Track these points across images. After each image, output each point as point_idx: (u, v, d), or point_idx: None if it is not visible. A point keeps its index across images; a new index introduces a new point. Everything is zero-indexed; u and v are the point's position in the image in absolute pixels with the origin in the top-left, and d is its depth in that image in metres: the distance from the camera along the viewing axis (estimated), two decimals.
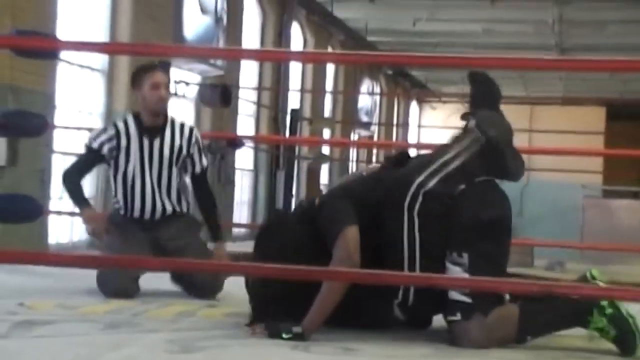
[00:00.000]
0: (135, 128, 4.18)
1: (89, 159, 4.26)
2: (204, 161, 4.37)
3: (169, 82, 4.27)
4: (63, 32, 7.66)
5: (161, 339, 3.03)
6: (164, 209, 4.22)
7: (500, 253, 3.24)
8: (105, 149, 4.18)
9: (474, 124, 3.30)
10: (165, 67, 4.33)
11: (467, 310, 3.10)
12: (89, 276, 4.03)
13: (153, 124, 4.20)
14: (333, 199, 3.33)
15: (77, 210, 4.34)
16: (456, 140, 3.34)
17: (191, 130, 4.30)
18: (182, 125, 4.28)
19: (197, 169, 4.34)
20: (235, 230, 12.20)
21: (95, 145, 4.20)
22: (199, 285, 4.13)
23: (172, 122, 4.27)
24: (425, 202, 3.17)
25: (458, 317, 3.12)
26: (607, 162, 19.10)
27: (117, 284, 3.94)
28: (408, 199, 3.18)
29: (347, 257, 3.13)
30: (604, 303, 3.11)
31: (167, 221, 4.23)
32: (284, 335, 3.08)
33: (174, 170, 4.24)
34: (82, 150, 4.41)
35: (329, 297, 3.13)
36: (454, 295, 3.13)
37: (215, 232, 4.39)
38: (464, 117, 3.40)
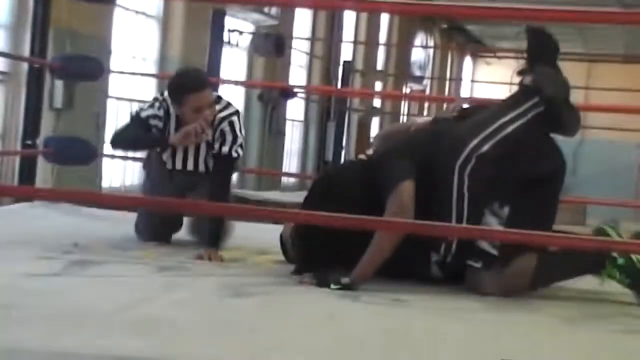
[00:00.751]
0: (175, 118, 3.91)
1: (136, 126, 4.00)
2: (231, 148, 3.92)
3: (213, 99, 3.87)
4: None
5: (212, 283, 3.07)
6: (206, 167, 4.00)
7: (543, 211, 3.25)
8: (151, 122, 3.94)
9: (531, 80, 3.27)
10: (211, 85, 4.06)
11: (490, 261, 3.17)
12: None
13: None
14: (391, 152, 3.32)
15: (158, 145, 4.01)
16: (514, 100, 3.31)
17: (226, 119, 3.94)
18: (222, 117, 3.93)
19: (224, 150, 3.92)
20: (285, 179, 12.27)
21: (143, 115, 3.96)
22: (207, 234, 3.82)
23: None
24: (477, 164, 3.17)
25: (479, 265, 3.19)
26: None
27: (154, 230, 3.96)
28: (460, 161, 3.18)
29: (400, 211, 3.14)
30: (616, 254, 3.19)
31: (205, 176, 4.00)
32: (332, 286, 3.10)
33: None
34: (129, 117, 4.26)
35: (381, 250, 3.14)
36: (483, 244, 3.19)
37: (212, 237, 3.77)
38: (520, 72, 3.36)
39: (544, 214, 3.26)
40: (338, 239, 3.17)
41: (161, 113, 3.93)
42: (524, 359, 2.23)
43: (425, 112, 17.53)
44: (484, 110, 3.45)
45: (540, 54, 3.34)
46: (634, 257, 3.20)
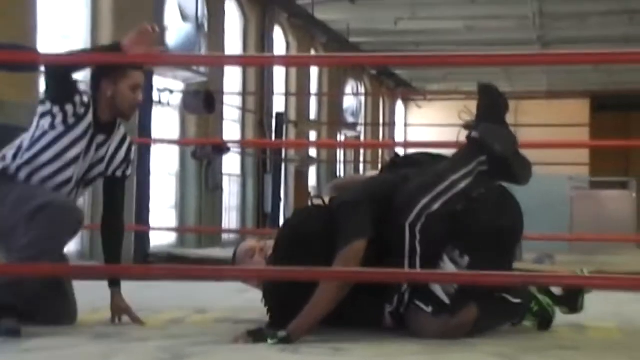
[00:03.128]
0: (91, 116, 3.58)
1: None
2: (129, 170, 3.78)
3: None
4: (44, 42, 7.66)
5: (151, 346, 3.04)
6: None
7: (502, 261, 3.34)
8: (76, 99, 3.54)
9: (479, 136, 3.36)
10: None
11: (440, 307, 3.22)
12: (77, 288, 4.02)
13: (108, 120, 3.63)
14: (350, 202, 3.32)
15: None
16: (463, 157, 3.38)
17: (126, 136, 3.77)
18: (124, 134, 3.77)
19: (120, 174, 3.72)
20: (225, 236, 12.21)
21: (73, 79, 3.56)
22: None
23: (119, 126, 3.75)
24: (427, 222, 3.23)
25: (429, 309, 3.23)
26: (593, 153, 19.18)
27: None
28: (410, 219, 3.24)
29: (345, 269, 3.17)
30: (533, 304, 3.47)
31: None
32: (269, 341, 3.09)
33: (93, 172, 3.67)
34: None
35: (321, 302, 3.16)
36: (437, 291, 3.23)
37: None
38: (467, 127, 3.44)
39: (504, 264, 3.34)
40: (307, 291, 3.18)
41: (87, 100, 3.56)
42: None
43: (361, 159, 17.67)
44: (427, 162, 3.50)
45: (490, 111, 3.42)
46: (542, 300, 3.47)
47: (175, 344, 3.09)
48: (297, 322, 3.14)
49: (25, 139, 3.60)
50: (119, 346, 3.08)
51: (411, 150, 4.37)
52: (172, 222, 10.83)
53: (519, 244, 3.49)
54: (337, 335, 3.21)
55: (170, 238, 10.70)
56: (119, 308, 3.64)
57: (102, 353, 2.94)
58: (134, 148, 3.80)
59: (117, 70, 3.62)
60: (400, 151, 3.66)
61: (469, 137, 3.40)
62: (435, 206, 3.24)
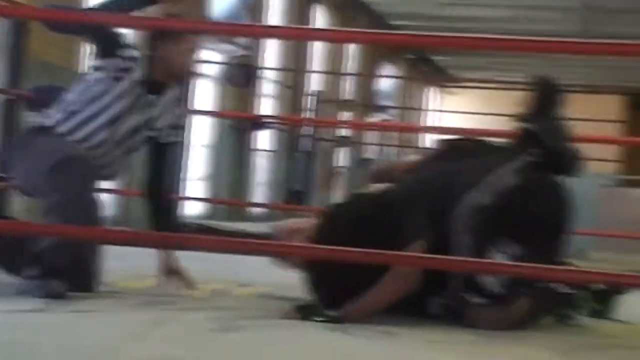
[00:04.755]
0: (140, 72, 3.55)
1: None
2: (178, 137, 3.78)
3: None
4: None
5: (200, 317, 3.02)
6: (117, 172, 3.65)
7: (550, 252, 3.28)
8: (124, 52, 3.51)
9: (533, 129, 3.33)
10: None
11: (494, 299, 3.17)
12: (129, 253, 4.01)
13: (159, 81, 3.59)
14: (408, 199, 3.28)
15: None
16: (513, 149, 3.33)
17: (179, 101, 3.79)
18: (177, 98, 3.76)
19: (167, 140, 3.66)
20: (254, 211, 12.22)
21: (119, 32, 3.54)
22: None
23: (171, 90, 3.68)
24: (476, 215, 3.19)
25: (483, 301, 3.18)
26: (627, 152, 18.95)
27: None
28: (460, 211, 3.20)
29: (404, 274, 3.13)
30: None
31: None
32: (316, 318, 3.06)
33: (140, 135, 3.60)
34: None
35: (384, 293, 3.13)
36: (487, 281, 3.17)
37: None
38: (523, 118, 3.40)
39: (552, 253, 3.28)
40: (349, 274, 3.12)
41: (137, 54, 3.55)
42: None
43: (397, 143, 17.58)
44: (477, 152, 3.44)
45: (546, 104, 3.38)
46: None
47: (224, 316, 3.07)
48: (355, 306, 3.11)
49: (70, 94, 3.57)
50: (167, 314, 3.06)
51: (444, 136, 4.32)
52: (203, 194, 10.83)
53: (567, 236, 3.40)
54: (385, 318, 3.17)
55: (199, 210, 10.70)
56: (170, 270, 3.58)
57: (152, 320, 2.92)
58: (185, 116, 3.76)
59: (176, 34, 3.56)
60: (437, 137, 3.63)
61: (522, 130, 3.36)
62: (483, 198, 3.20)
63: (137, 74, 3.51)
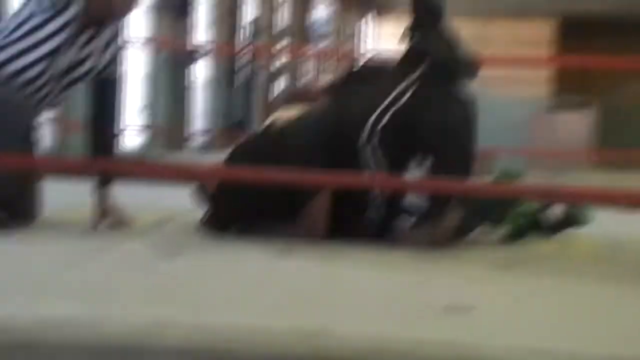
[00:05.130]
0: (79, 7, 3.42)
1: None
2: (117, 72, 3.63)
3: None
4: None
5: (140, 245, 3.02)
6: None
7: (464, 157, 3.34)
8: None
9: (417, 43, 3.37)
10: None
11: (422, 214, 3.23)
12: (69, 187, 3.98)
13: (98, 17, 3.45)
14: (302, 138, 3.31)
15: None
16: (404, 66, 3.36)
17: (118, 35, 3.61)
18: (116, 32, 3.59)
19: (106, 76, 3.56)
20: (193, 141, 12.17)
21: None
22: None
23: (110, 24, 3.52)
24: (382, 135, 3.24)
25: (412, 219, 3.25)
26: (556, 76, 19.24)
27: None
28: (365, 135, 3.25)
29: (312, 227, 3.23)
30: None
31: None
32: None
33: (77, 72, 3.51)
34: None
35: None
36: (413, 199, 3.24)
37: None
38: (405, 36, 3.43)
39: (465, 161, 3.34)
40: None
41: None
42: (468, 302, 2.27)
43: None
44: (378, 74, 3.47)
45: (424, 18, 3.41)
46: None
47: (164, 243, 3.07)
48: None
49: (4, 27, 3.46)
50: (107, 244, 3.06)
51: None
52: (142, 125, 10.72)
53: (473, 141, 3.42)
54: (329, 242, 3.22)
55: (138, 141, 10.61)
56: (105, 209, 3.53)
57: (96, 248, 2.92)
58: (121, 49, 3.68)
59: None
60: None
61: (408, 47, 3.41)
62: (385, 119, 3.25)
63: (76, 7, 3.40)
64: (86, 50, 3.48)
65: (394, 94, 3.29)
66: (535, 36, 18.87)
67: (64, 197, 3.97)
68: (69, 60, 3.45)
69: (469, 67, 3.41)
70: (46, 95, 3.47)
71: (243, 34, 12.78)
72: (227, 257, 2.93)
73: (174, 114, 11.26)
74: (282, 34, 15.66)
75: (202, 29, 12.39)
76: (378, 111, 3.26)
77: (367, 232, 3.35)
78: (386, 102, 3.28)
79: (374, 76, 3.47)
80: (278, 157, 3.24)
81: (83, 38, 3.46)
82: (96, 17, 3.45)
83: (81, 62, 3.48)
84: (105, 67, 3.55)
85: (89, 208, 3.49)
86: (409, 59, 3.38)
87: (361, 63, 3.76)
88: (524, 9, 19.75)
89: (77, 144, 5.57)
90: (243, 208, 3.32)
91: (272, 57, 14.95)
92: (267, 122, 3.59)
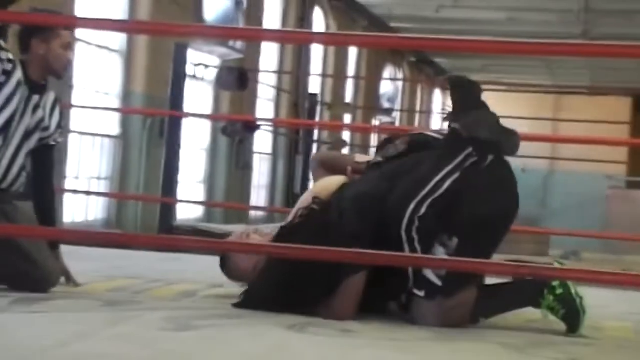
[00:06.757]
0: (21, 73, 3.53)
1: None
2: (61, 137, 3.77)
3: None
4: (82, 12, 7.70)
5: (158, 317, 3.03)
6: (17, 177, 3.58)
7: (488, 245, 3.31)
8: (2, 55, 3.47)
9: (461, 127, 3.32)
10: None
11: (433, 291, 3.20)
12: (97, 255, 4.04)
13: (40, 81, 3.59)
14: (352, 231, 3.28)
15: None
16: (448, 152, 3.33)
17: (57, 100, 3.73)
18: (55, 98, 3.71)
19: (53, 142, 3.67)
20: (252, 213, 12.24)
21: None
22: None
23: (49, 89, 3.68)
24: (420, 224, 3.23)
25: (422, 294, 3.21)
26: (632, 153, 18.90)
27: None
28: (404, 225, 3.24)
29: (345, 310, 3.21)
30: (556, 284, 3.25)
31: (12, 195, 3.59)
32: None
33: (35, 137, 3.60)
34: None
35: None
36: (428, 274, 3.21)
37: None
38: (447, 119, 3.42)
39: (489, 248, 3.32)
40: (293, 282, 3.22)
41: (12, 57, 3.51)
42: None
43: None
44: (422, 156, 3.43)
45: (466, 100, 3.39)
46: (570, 286, 3.25)
47: (183, 315, 3.09)
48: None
49: None
50: (125, 314, 3.08)
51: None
52: (200, 197, 10.86)
53: (508, 230, 3.42)
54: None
55: (197, 213, 10.73)
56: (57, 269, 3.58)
57: (108, 320, 2.95)
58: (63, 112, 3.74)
59: (48, 30, 3.58)
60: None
61: (450, 130, 3.37)
62: (424, 209, 3.23)
63: (18, 74, 3.50)
64: (36, 118, 3.57)
65: (435, 180, 3.27)
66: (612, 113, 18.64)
67: (98, 265, 4.03)
68: (24, 127, 3.53)
69: (509, 145, 3.36)
70: (5, 166, 3.52)
71: (305, 107, 12.93)
72: (243, 332, 2.91)
73: (234, 186, 11.39)
74: (347, 108, 15.80)
75: (264, 102, 12.59)
76: (418, 199, 3.24)
77: (397, 309, 3.33)
78: (427, 189, 3.25)
79: (417, 159, 3.43)
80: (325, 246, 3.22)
81: (32, 105, 3.54)
82: (36, 83, 3.55)
83: (35, 129, 3.57)
84: (54, 134, 3.65)
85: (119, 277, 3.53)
86: (452, 143, 3.37)
87: (408, 140, 3.74)
88: (599, 86, 19.62)
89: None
90: (284, 285, 3.30)
91: (335, 130, 15.06)
92: (307, 197, 3.59)
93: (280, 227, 3.58)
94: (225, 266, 3.61)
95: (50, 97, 3.66)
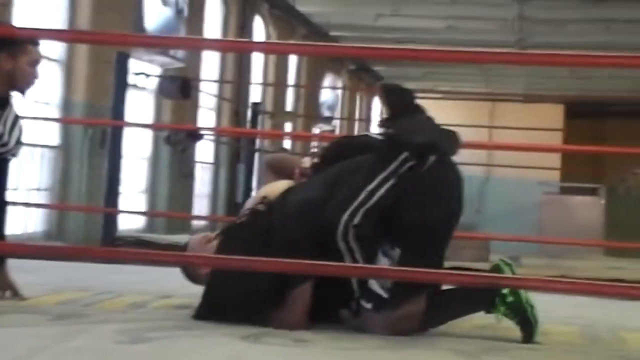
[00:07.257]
0: None
1: None
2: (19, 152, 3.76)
3: None
4: (20, 20, 7.59)
5: (111, 330, 3.02)
6: None
7: (433, 251, 3.30)
8: None
9: (396, 133, 3.30)
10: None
11: (379, 303, 3.22)
12: (43, 267, 3.99)
13: (3, 95, 3.60)
14: (294, 239, 3.30)
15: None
16: (382, 158, 3.30)
17: (19, 115, 3.71)
18: (17, 113, 3.70)
19: (11, 157, 3.68)
20: (195, 222, 12.18)
21: None
22: None
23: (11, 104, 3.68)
24: (356, 232, 3.22)
25: (369, 306, 3.23)
26: (565, 159, 19.31)
27: None
28: (340, 234, 3.23)
29: (295, 320, 3.22)
30: (506, 291, 3.26)
31: None
32: None
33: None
34: None
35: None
36: (374, 286, 3.22)
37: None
38: (382, 125, 3.41)
39: (434, 254, 3.31)
40: (246, 291, 3.22)
41: None
42: None
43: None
44: (361, 161, 3.40)
45: (399, 106, 3.37)
46: (522, 294, 3.26)
47: (135, 327, 3.08)
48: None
49: None
50: (77, 327, 3.06)
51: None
52: (143, 207, 10.77)
53: (452, 233, 3.43)
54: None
55: (140, 223, 10.64)
56: (3, 283, 3.59)
57: (61, 334, 2.92)
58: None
59: (16, 46, 3.57)
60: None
61: (385, 136, 3.35)
62: (357, 219, 3.22)
63: None
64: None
65: (368, 189, 3.24)
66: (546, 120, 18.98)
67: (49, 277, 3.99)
68: None
69: (449, 145, 3.34)
70: None
71: (247, 115, 12.92)
72: (196, 342, 2.92)
73: (176, 195, 11.32)
74: (288, 116, 15.83)
75: (206, 111, 12.55)
76: (351, 208, 3.23)
77: (349, 318, 3.36)
78: (359, 200, 3.23)
79: (356, 165, 3.40)
80: (267, 251, 3.19)
81: None
82: (1, 99, 3.53)
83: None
84: (14, 149, 3.62)
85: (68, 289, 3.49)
86: (386, 150, 3.32)
87: (347, 142, 3.76)
88: (534, 94, 19.98)
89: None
90: (233, 295, 3.30)
91: (277, 139, 15.08)
92: (256, 199, 3.61)
93: (227, 227, 3.59)
94: (184, 270, 3.61)
95: (12, 112, 3.61)
